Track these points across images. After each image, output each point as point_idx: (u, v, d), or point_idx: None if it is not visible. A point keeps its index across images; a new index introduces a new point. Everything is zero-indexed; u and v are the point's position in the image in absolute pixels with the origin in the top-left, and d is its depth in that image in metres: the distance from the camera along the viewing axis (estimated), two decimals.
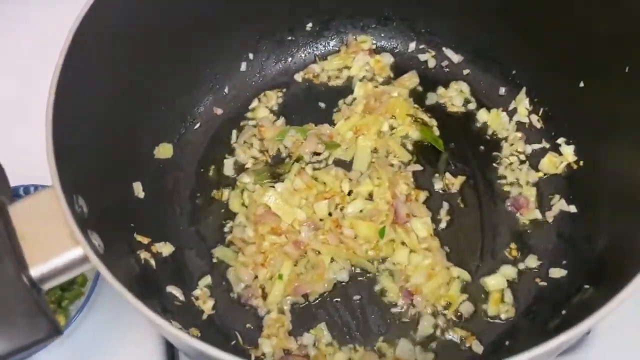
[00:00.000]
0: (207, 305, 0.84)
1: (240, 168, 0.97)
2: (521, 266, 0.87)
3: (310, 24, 1.05)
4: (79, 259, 0.59)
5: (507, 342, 0.81)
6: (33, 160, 0.76)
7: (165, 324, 0.58)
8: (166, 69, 0.92)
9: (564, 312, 0.78)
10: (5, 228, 0.57)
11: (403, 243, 0.88)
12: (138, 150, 0.90)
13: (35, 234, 0.58)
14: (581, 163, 0.92)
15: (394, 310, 0.85)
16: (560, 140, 0.95)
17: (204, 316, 0.84)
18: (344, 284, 0.87)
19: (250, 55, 1.04)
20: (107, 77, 0.80)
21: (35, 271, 0.57)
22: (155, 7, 0.86)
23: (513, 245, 0.89)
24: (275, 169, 0.96)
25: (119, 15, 0.80)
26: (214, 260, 0.89)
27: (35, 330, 0.54)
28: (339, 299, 0.86)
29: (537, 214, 0.91)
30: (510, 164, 0.96)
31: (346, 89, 1.04)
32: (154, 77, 0.90)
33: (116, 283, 0.55)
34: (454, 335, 0.83)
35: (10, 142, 0.91)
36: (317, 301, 0.86)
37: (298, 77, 1.06)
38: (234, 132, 1.00)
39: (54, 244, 0.58)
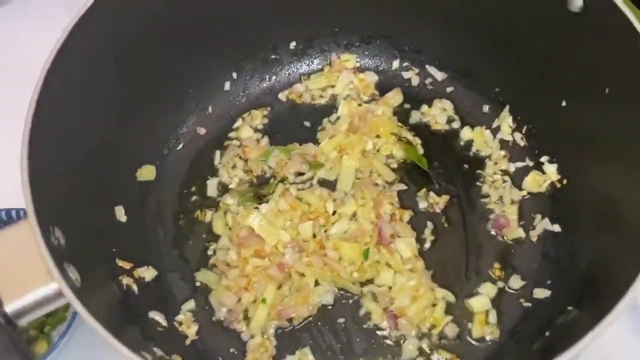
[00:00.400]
0: (190, 331, 0.84)
1: (224, 189, 0.97)
2: (505, 287, 0.87)
3: (294, 43, 1.05)
4: (55, 293, 0.58)
5: None
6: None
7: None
8: (148, 90, 0.91)
9: (547, 333, 0.78)
10: None
11: (387, 264, 0.88)
12: (119, 173, 0.90)
13: (10, 268, 0.58)
14: (564, 181, 0.92)
15: (378, 332, 0.84)
16: (544, 159, 0.95)
17: (187, 342, 0.83)
18: (329, 307, 0.86)
19: (234, 75, 1.04)
20: (87, 100, 0.79)
21: (10, 307, 0.57)
22: (136, 28, 0.86)
23: (497, 265, 0.89)
24: (259, 189, 0.96)
25: (100, 36, 0.79)
26: (197, 284, 0.89)
27: None
28: (323, 323, 0.85)
29: (520, 233, 0.91)
30: (494, 182, 0.96)
31: (330, 108, 1.04)
32: (135, 98, 0.89)
33: (91, 320, 0.54)
34: (438, 357, 0.82)
35: None
36: (301, 325, 0.85)
37: (282, 96, 1.05)
38: (218, 152, 1.00)
39: (29, 279, 0.57)
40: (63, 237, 0.64)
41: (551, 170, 0.94)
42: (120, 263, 0.83)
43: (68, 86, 0.74)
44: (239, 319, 0.85)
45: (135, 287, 0.83)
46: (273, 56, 1.05)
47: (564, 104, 0.89)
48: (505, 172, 0.96)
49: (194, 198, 0.96)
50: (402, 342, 0.83)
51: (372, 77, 1.06)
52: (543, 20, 0.86)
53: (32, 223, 0.58)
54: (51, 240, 0.60)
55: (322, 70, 1.07)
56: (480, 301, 0.85)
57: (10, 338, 0.54)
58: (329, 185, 0.96)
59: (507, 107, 0.99)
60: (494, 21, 0.93)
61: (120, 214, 0.87)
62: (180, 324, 0.84)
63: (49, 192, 0.64)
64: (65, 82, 0.73)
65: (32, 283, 0.57)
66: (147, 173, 0.94)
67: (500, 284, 0.87)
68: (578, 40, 0.81)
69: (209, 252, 0.91)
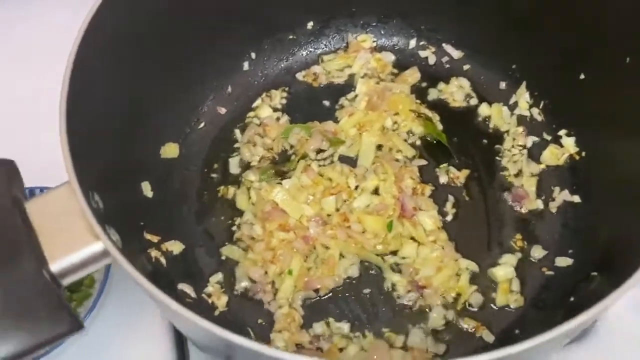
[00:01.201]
0: (220, 302, 0.85)
1: (245, 166, 0.98)
2: (527, 256, 0.88)
3: (311, 23, 1.06)
4: (99, 253, 0.59)
5: (517, 331, 0.82)
6: (42, 162, 0.77)
7: (184, 310, 0.58)
8: (170, 70, 0.92)
9: (571, 299, 0.80)
10: (23, 224, 0.57)
11: (411, 237, 0.89)
12: (145, 150, 0.90)
13: (53, 229, 0.59)
14: (583, 154, 0.93)
15: (404, 302, 0.85)
16: (562, 132, 0.96)
17: (216, 312, 0.84)
18: (354, 279, 0.87)
19: (253, 55, 1.05)
20: (114, 79, 0.80)
21: (55, 266, 0.58)
22: (158, 9, 0.86)
23: (519, 236, 0.90)
24: (280, 166, 0.97)
25: (123, 18, 0.80)
26: (223, 258, 0.90)
27: (58, 324, 0.54)
28: (349, 294, 0.86)
29: (539, 205, 0.92)
30: (512, 156, 0.97)
31: (348, 87, 1.05)
32: (158, 78, 0.90)
33: (137, 274, 0.55)
34: (464, 325, 0.83)
35: (21, 143, 0.91)
36: (328, 295, 0.86)
37: (300, 75, 1.07)
38: (238, 131, 1.01)
39: (73, 239, 0.58)
40: (101, 202, 0.65)
41: (569, 144, 0.95)
42: (149, 236, 0.84)
43: (95, 65, 0.75)
44: (265, 290, 0.86)
45: (163, 260, 0.84)
46: (291, 36, 1.06)
47: (582, 77, 0.91)
48: (523, 147, 0.97)
49: (216, 175, 0.97)
50: (427, 311, 0.84)
51: (389, 57, 1.07)
52: None
53: (74, 184, 0.59)
54: (91, 203, 0.61)
55: (339, 49, 1.08)
56: (504, 270, 0.86)
57: (57, 296, 0.55)
58: (349, 162, 0.97)
59: (524, 83, 1.00)
60: None
61: (147, 189, 0.88)
62: (209, 295, 0.85)
63: (85, 160, 0.65)
64: (93, 60, 0.74)
65: (76, 243, 0.58)
66: (170, 151, 0.95)
67: (522, 254, 0.89)
68: (597, 9, 0.82)
69: (233, 228, 0.92)
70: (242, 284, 0.87)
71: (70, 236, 0.58)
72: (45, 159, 0.74)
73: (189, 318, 0.59)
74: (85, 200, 0.58)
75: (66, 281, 0.59)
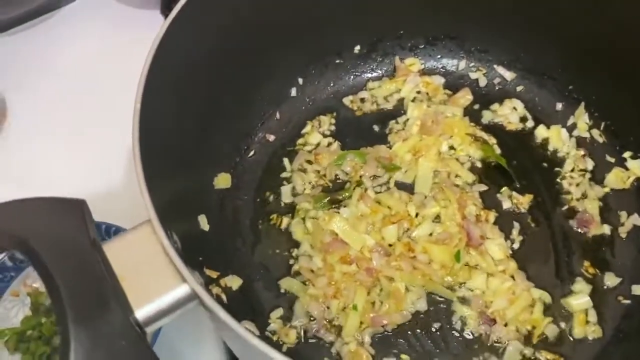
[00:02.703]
0: (289, 338, 0.81)
1: (297, 195, 0.94)
2: (600, 284, 0.85)
3: (358, 47, 1.04)
4: (185, 297, 0.55)
5: None
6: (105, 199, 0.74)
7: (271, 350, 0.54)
8: (220, 99, 0.90)
9: None
10: (106, 269, 0.54)
11: (479, 267, 0.85)
12: (200, 182, 0.88)
13: (135, 273, 0.55)
14: None
15: (476, 337, 0.81)
16: (626, 155, 0.93)
17: (284, 349, 0.80)
18: (421, 313, 0.83)
19: (300, 80, 1.02)
20: (175, 111, 0.78)
21: (140, 314, 0.54)
22: (212, 39, 0.84)
23: (588, 263, 0.87)
24: (334, 194, 0.94)
25: (181, 51, 0.78)
26: (282, 291, 0.86)
27: None
28: (418, 328, 0.82)
29: (606, 230, 0.89)
30: (574, 179, 0.94)
31: (397, 111, 1.02)
32: (210, 108, 0.88)
33: (228, 318, 0.52)
34: (542, 358, 0.79)
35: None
36: (396, 330, 0.82)
37: (347, 100, 1.04)
38: (287, 159, 0.98)
39: (157, 284, 0.55)
40: (179, 242, 0.61)
41: (635, 166, 0.92)
42: (208, 272, 0.80)
43: (160, 99, 0.72)
44: (327, 328, 0.82)
45: (224, 297, 0.80)
46: (337, 60, 1.04)
47: None
48: (585, 170, 0.94)
49: (269, 205, 0.94)
50: (502, 345, 0.80)
51: (438, 80, 1.05)
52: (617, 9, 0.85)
53: (155, 223, 0.55)
54: (172, 243, 0.57)
55: (386, 74, 1.06)
56: (579, 299, 0.83)
57: (147, 347, 0.51)
58: (406, 188, 0.94)
59: (582, 104, 0.98)
60: (563, 14, 0.92)
61: (204, 222, 0.85)
62: (274, 333, 0.81)
63: (159, 199, 0.62)
64: (157, 96, 0.71)
65: (161, 287, 0.54)
66: (223, 181, 0.92)
67: (595, 282, 0.85)
68: None
69: (291, 260, 0.89)
70: (300, 321, 0.83)
71: (154, 280, 0.55)
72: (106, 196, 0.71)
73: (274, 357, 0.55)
74: (168, 241, 0.55)
75: (150, 329, 0.55)
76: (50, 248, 0.50)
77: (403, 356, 0.80)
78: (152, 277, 0.55)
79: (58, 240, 0.52)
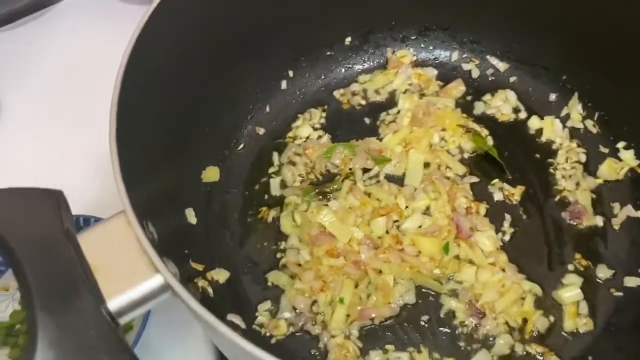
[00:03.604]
0: (279, 330, 0.80)
1: (286, 187, 0.94)
2: (592, 276, 0.83)
3: (349, 39, 1.03)
4: (158, 288, 0.55)
5: (590, 358, 0.77)
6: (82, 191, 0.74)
7: (245, 342, 0.53)
8: (208, 91, 0.90)
9: None
10: (78, 259, 0.53)
11: (468, 259, 0.84)
12: (187, 175, 0.87)
13: (108, 264, 0.54)
14: None
15: (465, 330, 0.80)
16: (620, 145, 0.92)
17: (272, 341, 0.80)
18: (409, 305, 0.82)
19: (290, 73, 1.01)
20: (159, 103, 0.77)
21: (112, 304, 0.53)
22: (198, 31, 0.84)
23: (580, 255, 0.85)
24: (322, 187, 0.93)
25: (165, 42, 0.77)
26: (269, 284, 0.85)
27: None
28: (405, 321, 0.81)
29: (599, 221, 0.88)
30: (567, 170, 0.92)
31: (389, 104, 1.01)
32: (197, 100, 0.87)
33: (202, 309, 0.51)
34: (531, 351, 0.78)
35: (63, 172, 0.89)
36: (384, 323, 0.81)
37: (338, 93, 1.03)
38: (277, 152, 0.97)
39: (130, 274, 0.54)
40: (156, 233, 0.61)
41: (628, 157, 0.91)
42: (194, 265, 0.80)
43: (141, 90, 0.72)
44: (314, 322, 0.81)
45: (210, 290, 0.80)
46: (328, 53, 1.03)
47: None
48: (577, 161, 0.93)
49: (257, 198, 0.93)
50: (491, 337, 0.79)
51: (431, 72, 1.04)
52: None
53: (130, 215, 0.55)
54: (147, 234, 0.57)
55: (378, 66, 1.04)
56: (570, 292, 0.81)
57: (119, 338, 0.51)
58: (396, 180, 0.93)
59: (575, 94, 0.96)
60: (555, 4, 0.91)
61: (191, 216, 0.84)
62: (261, 326, 0.81)
63: (137, 190, 0.61)
64: (138, 87, 0.71)
65: (134, 278, 0.54)
66: (211, 174, 0.91)
67: (587, 274, 0.84)
68: None
69: (279, 254, 0.88)
70: (285, 315, 0.82)
71: (128, 271, 0.54)
72: (82, 187, 0.70)
73: (255, 354, 0.54)
74: (142, 231, 0.54)
75: (123, 320, 0.54)
76: (20, 237, 0.50)
77: (388, 346, 0.79)
78: (125, 267, 0.54)
79: (29, 229, 0.52)
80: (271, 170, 0.95)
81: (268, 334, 0.80)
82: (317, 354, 0.80)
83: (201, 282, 0.79)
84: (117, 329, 0.52)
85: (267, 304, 0.83)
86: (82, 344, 0.48)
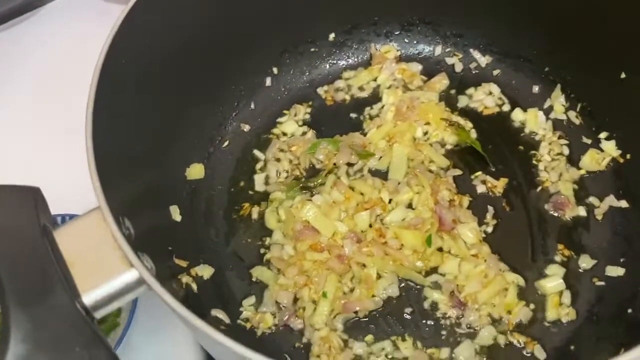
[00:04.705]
0: (266, 323, 0.81)
1: (271, 183, 0.94)
2: (575, 267, 0.84)
3: (332, 34, 1.03)
4: (133, 282, 0.55)
5: (572, 347, 0.77)
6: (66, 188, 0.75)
7: (223, 338, 0.54)
8: (192, 89, 0.90)
9: (629, 311, 0.75)
10: (54, 254, 0.54)
11: (451, 251, 0.84)
12: (171, 172, 0.88)
13: (84, 259, 0.55)
14: (628, 156, 0.89)
15: (448, 322, 0.81)
16: (602, 135, 0.92)
17: (256, 336, 0.80)
18: (394, 298, 0.83)
19: (275, 70, 1.02)
20: (139, 100, 0.78)
21: (87, 298, 0.54)
22: (180, 27, 0.84)
23: (563, 246, 0.86)
24: (307, 182, 0.93)
25: (144, 38, 0.78)
26: (254, 280, 0.86)
27: None
28: (390, 315, 0.82)
29: (582, 212, 0.88)
30: (550, 162, 0.93)
31: (374, 99, 1.02)
32: (181, 97, 0.88)
33: (176, 303, 0.52)
34: (514, 342, 0.79)
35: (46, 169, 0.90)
36: (367, 316, 0.82)
37: (322, 90, 1.03)
38: (260, 149, 0.97)
39: (105, 269, 0.55)
40: (132, 228, 0.61)
41: (610, 147, 0.91)
42: (178, 261, 0.80)
43: (120, 87, 0.73)
44: (297, 315, 0.82)
45: (194, 286, 0.80)
46: (312, 49, 1.04)
47: (623, 76, 0.87)
48: (560, 153, 0.93)
49: (242, 194, 0.94)
50: (475, 328, 0.80)
51: (415, 67, 1.04)
52: None
53: (105, 211, 0.55)
54: (123, 229, 0.57)
55: (362, 61, 1.05)
56: (553, 282, 0.82)
57: (93, 331, 0.51)
58: (380, 175, 0.93)
59: (558, 86, 0.97)
60: None
61: (175, 213, 0.85)
62: (247, 320, 0.81)
63: (113, 184, 0.62)
64: (115, 82, 0.72)
65: (109, 272, 0.55)
66: (196, 172, 0.92)
67: (570, 264, 0.84)
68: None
69: (262, 249, 0.88)
70: (269, 309, 0.83)
71: (103, 265, 0.55)
72: (69, 185, 0.71)
73: (230, 346, 0.55)
74: (116, 227, 0.55)
75: (99, 314, 0.55)
76: None
77: (368, 338, 0.80)
78: (101, 262, 0.55)
79: (4, 225, 0.52)
80: (256, 166, 0.96)
81: (253, 328, 0.81)
82: (300, 347, 0.80)
83: (185, 278, 0.79)
84: (92, 322, 0.53)
85: (251, 299, 0.84)
86: (55, 338, 0.49)
